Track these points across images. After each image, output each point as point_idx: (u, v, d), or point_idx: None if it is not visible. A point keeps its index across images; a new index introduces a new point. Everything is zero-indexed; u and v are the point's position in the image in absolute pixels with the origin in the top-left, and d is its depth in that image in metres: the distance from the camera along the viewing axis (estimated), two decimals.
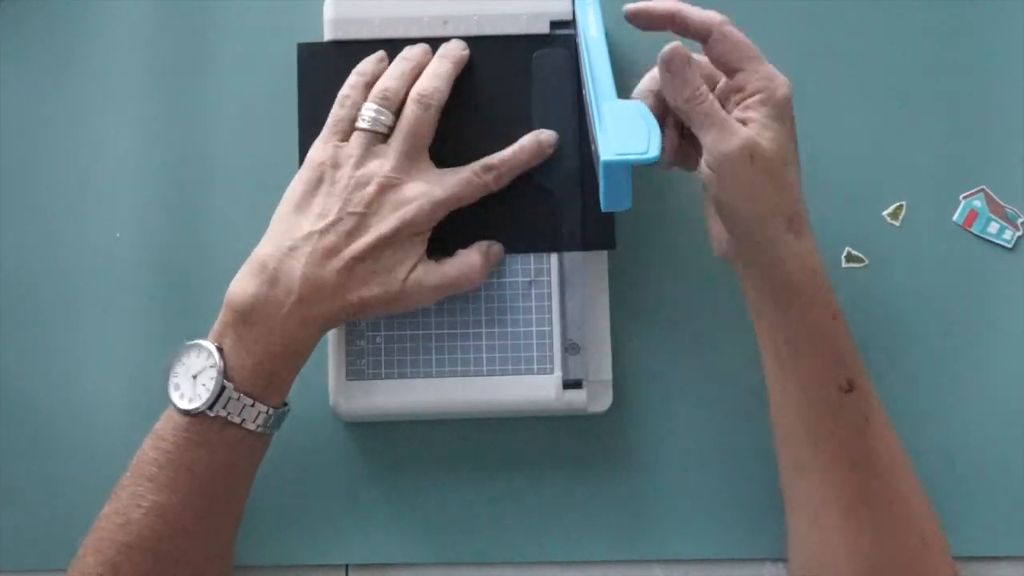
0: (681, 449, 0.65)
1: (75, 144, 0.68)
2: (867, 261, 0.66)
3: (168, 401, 0.57)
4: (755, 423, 0.65)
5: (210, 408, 0.56)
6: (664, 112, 0.59)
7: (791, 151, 0.56)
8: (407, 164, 0.60)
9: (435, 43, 0.64)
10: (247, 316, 0.57)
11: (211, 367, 0.56)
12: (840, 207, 0.66)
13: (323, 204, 0.59)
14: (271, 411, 0.57)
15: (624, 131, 0.55)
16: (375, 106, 0.61)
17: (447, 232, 0.61)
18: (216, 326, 0.58)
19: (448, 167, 0.62)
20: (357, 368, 0.63)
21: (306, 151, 0.61)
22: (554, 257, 0.63)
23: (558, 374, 0.62)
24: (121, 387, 0.66)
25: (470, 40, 0.64)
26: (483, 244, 0.63)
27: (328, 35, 0.65)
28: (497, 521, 0.65)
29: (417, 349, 0.63)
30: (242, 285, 0.57)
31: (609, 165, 0.54)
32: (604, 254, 0.64)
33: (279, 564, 0.65)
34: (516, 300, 0.63)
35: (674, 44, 0.56)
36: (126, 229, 0.68)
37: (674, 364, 0.66)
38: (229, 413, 0.56)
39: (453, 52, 0.63)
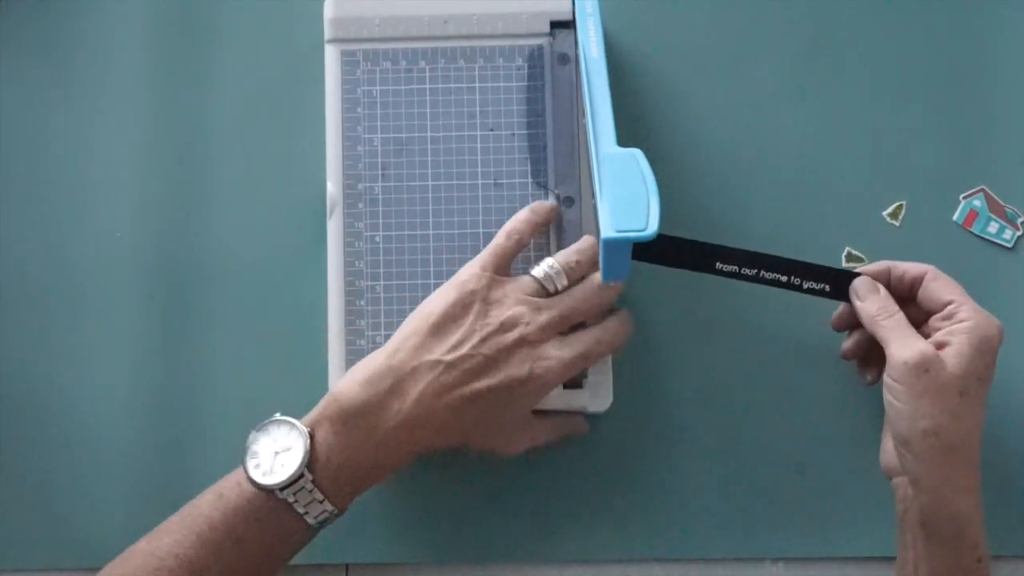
0: (681, 449, 0.65)
1: (75, 144, 0.68)
2: (867, 261, 0.66)
3: (241, 464, 0.57)
4: (755, 423, 0.65)
5: (282, 490, 0.55)
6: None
7: (974, 386, 0.56)
8: (554, 329, 0.59)
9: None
10: (350, 417, 0.56)
11: (297, 450, 0.56)
12: (840, 207, 0.66)
13: (461, 335, 0.57)
14: (334, 512, 0.57)
15: (624, 201, 0.55)
16: (558, 267, 0.60)
17: None
18: (314, 413, 0.57)
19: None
20: None
21: None
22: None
23: None
24: (121, 387, 0.66)
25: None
26: (578, 418, 0.63)
27: (328, 35, 0.65)
28: (497, 521, 0.65)
29: None
30: (356, 387, 0.57)
31: (609, 242, 0.55)
32: None
33: None
34: None
35: (863, 277, 0.60)
36: (126, 229, 0.68)
37: (674, 364, 0.66)
38: (297, 501, 0.56)
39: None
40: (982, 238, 0.66)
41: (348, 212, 0.64)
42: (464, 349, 0.57)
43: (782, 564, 0.64)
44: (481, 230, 0.64)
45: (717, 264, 0.60)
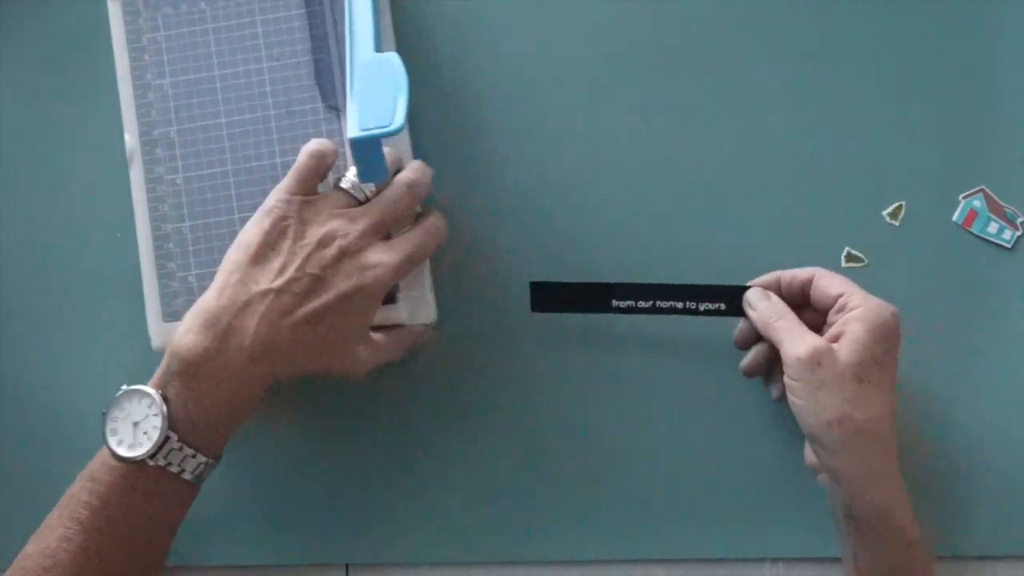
0: (681, 449, 0.65)
1: (75, 144, 0.68)
2: (867, 261, 0.66)
3: (104, 444, 0.56)
4: (755, 422, 0.65)
5: (151, 457, 0.55)
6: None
7: (874, 372, 0.56)
8: (372, 235, 0.59)
9: None
10: (196, 369, 0.56)
11: (155, 415, 0.56)
12: (840, 207, 0.66)
13: (283, 260, 0.57)
14: (209, 462, 0.57)
15: (372, 100, 0.55)
16: None
17: None
18: (159, 373, 0.57)
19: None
20: (173, 309, 0.63)
21: None
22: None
23: None
24: (120, 387, 0.66)
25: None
26: (417, 327, 0.63)
27: None
28: (497, 521, 0.65)
29: None
30: (192, 336, 0.56)
31: (356, 142, 0.55)
32: None
33: (279, 564, 0.65)
34: None
35: (753, 288, 0.61)
36: (126, 229, 0.68)
37: (674, 363, 0.66)
38: (169, 463, 0.56)
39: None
40: (982, 238, 0.66)
41: (147, 159, 0.64)
42: (289, 273, 0.57)
43: (782, 564, 0.64)
44: (279, 159, 0.64)
45: (613, 302, 0.61)
